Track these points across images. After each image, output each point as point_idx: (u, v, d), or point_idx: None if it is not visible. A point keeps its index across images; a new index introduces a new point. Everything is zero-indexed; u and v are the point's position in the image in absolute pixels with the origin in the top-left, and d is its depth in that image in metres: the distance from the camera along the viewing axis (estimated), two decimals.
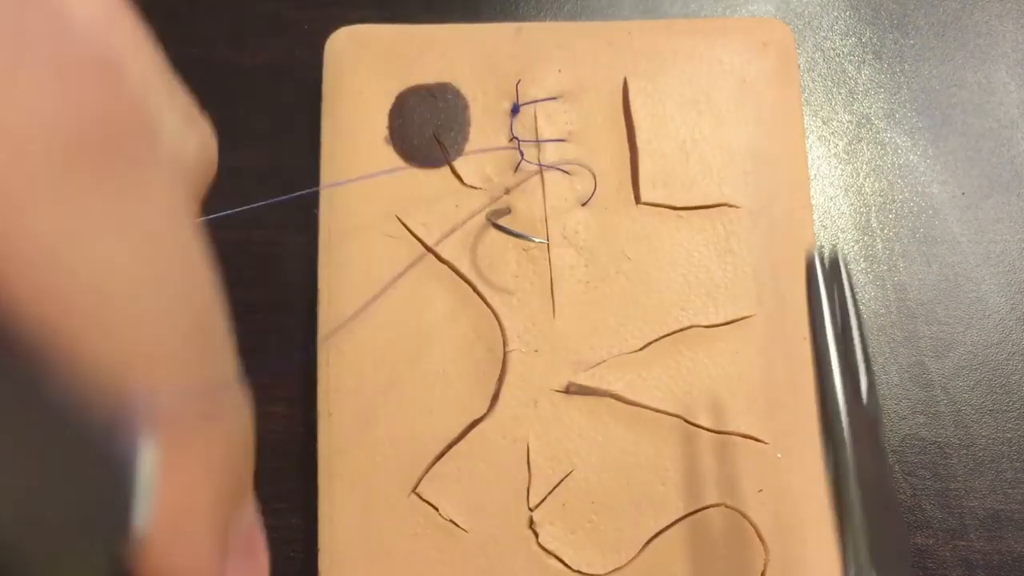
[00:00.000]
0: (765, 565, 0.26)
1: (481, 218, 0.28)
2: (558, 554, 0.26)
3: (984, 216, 0.31)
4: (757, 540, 0.26)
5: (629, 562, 0.26)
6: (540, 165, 0.28)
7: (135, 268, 0.12)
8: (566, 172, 0.28)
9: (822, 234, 0.31)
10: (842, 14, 0.33)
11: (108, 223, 0.12)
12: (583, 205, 0.28)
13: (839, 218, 0.31)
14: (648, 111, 0.29)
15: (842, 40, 0.33)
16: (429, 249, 0.28)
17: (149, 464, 0.12)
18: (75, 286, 0.11)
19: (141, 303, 0.12)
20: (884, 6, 0.33)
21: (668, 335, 0.27)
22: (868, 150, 0.31)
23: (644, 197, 0.28)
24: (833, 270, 0.19)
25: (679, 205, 0.28)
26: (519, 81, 0.29)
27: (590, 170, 0.28)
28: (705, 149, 0.28)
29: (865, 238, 0.31)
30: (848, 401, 0.19)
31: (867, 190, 0.31)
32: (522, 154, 0.28)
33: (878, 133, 0.32)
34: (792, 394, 0.27)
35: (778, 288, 0.28)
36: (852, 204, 0.31)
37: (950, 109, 0.32)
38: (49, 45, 0.11)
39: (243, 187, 0.30)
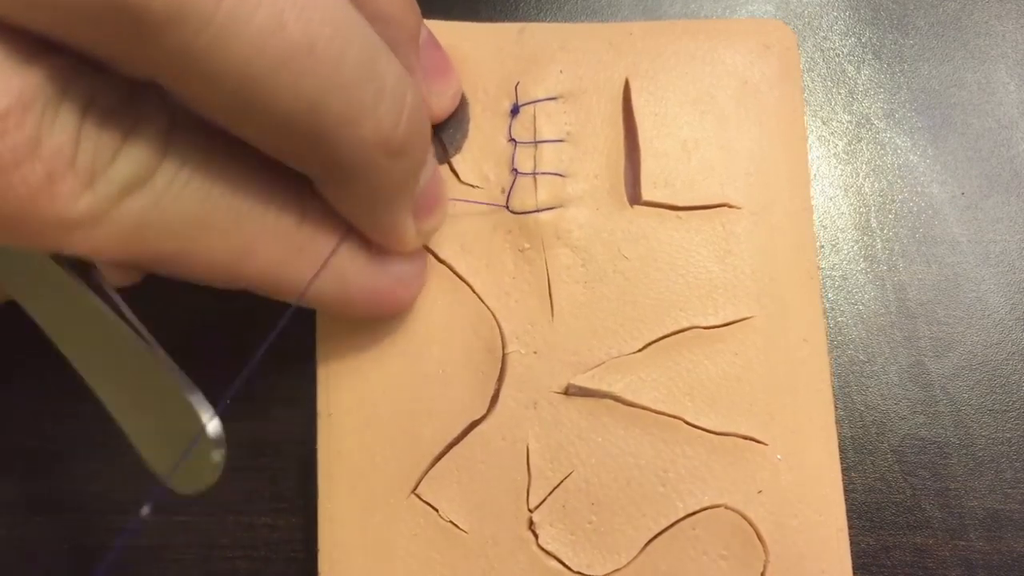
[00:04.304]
0: (765, 566, 0.26)
1: (479, 218, 0.28)
2: (558, 555, 0.26)
3: (984, 216, 0.31)
4: (757, 541, 0.26)
5: (629, 563, 0.26)
6: (535, 171, 0.28)
7: None
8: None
9: (822, 234, 0.31)
10: (842, 14, 0.33)
11: None
12: (566, 205, 0.28)
13: (839, 218, 0.31)
14: (650, 110, 0.29)
15: (842, 40, 0.33)
16: (427, 248, 0.28)
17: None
18: None
19: None
20: (884, 6, 0.33)
21: (668, 336, 0.27)
22: (868, 150, 0.31)
23: (646, 196, 0.28)
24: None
25: (681, 204, 0.28)
26: (518, 83, 0.29)
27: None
28: (707, 149, 0.28)
29: (865, 238, 0.31)
30: None
31: (867, 190, 0.31)
32: (516, 171, 0.28)
33: (878, 133, 0.32)
34: (792, 396, 0.27)
35: (778, 290, 0.28)
36: (852, 204, 0.31)
37: (950, 109, 0.32)
38: None
39: None
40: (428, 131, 0.23)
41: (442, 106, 0.27)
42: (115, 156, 0.18)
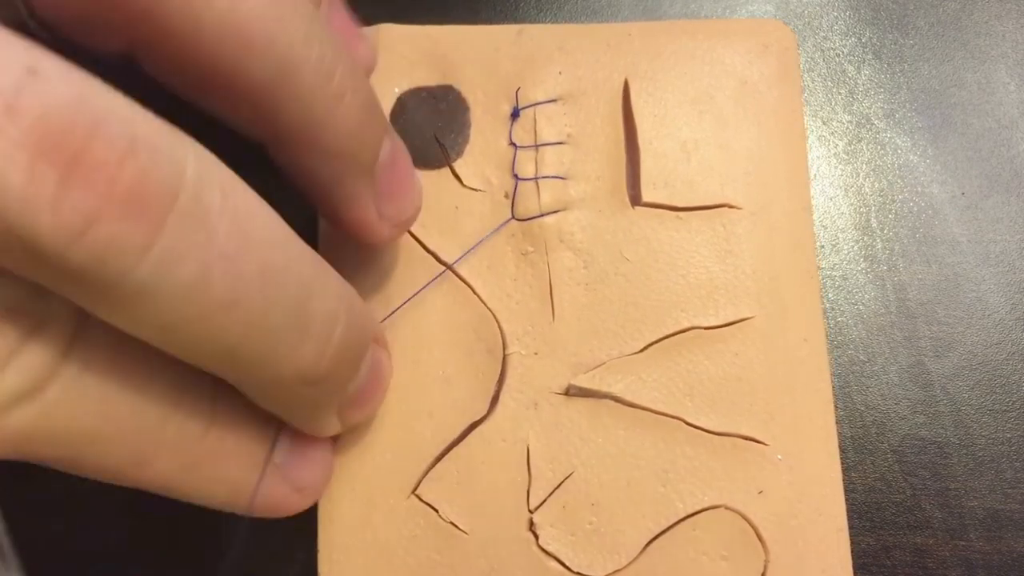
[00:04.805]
0: (765, 567, 0.26)
1: (482, 221, 0.28)
2: (558, 556, 0.26)
3: (984, 216, 0.31)
4: (757, 542, 0.26)
5: (629, 564, 0.26)
6: (536, 175, 0.28)
7: None
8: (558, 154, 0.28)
9: (822, 234, 0.31)
10: (842, 14, 0.33)
11: None
12: (569, 208, 0.28)
13: (839, 218, 0.31)
14: (649, 111, 0.29)
15: (842, 40, 0.33)
16: (428, 251, 0.28)
17: None
18: None
19: None
20: (884, 6, 0.33)
21: (668, 336, 0.27)
22: (868, 150, 0.31)
23: (646, 197, 0.28)
24: None
25: (681, 205, 0.28)
26: (519, 89, 0.29)
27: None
28: (706, 150, 0.28)
29: (865, 238, 0.30)
30: None
31: (867, 190, 0.31)
32: (516, 178, 0.28)
33: (878, 133, 0.32)
34: (792, 396, 0.27)
35: (778, 290, 0.28)
36: (852, 204, 0.31)
37: (950, 109, 0.32)
38: None
39: None
40: (361, 352, 0.22)
41: (391, 233, 0.25)
42: (7, 363, 0.16)
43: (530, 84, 0.29)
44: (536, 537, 0.26)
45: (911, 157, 0.31)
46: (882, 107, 0.32)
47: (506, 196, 0.28)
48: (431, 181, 0.28)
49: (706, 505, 0.26)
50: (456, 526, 0.26)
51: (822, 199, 0.31)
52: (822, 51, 0.32)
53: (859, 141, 0.32)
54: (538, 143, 0.28)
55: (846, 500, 0.26)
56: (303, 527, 0.28)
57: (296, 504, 0.24)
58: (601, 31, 0.29)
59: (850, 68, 0.32)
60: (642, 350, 0.27)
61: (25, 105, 0.14)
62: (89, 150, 0.15)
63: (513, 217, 0.28)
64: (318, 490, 0.24)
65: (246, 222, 0.17)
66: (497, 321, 0.27)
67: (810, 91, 0.32)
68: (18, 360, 0.16)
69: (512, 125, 0.28)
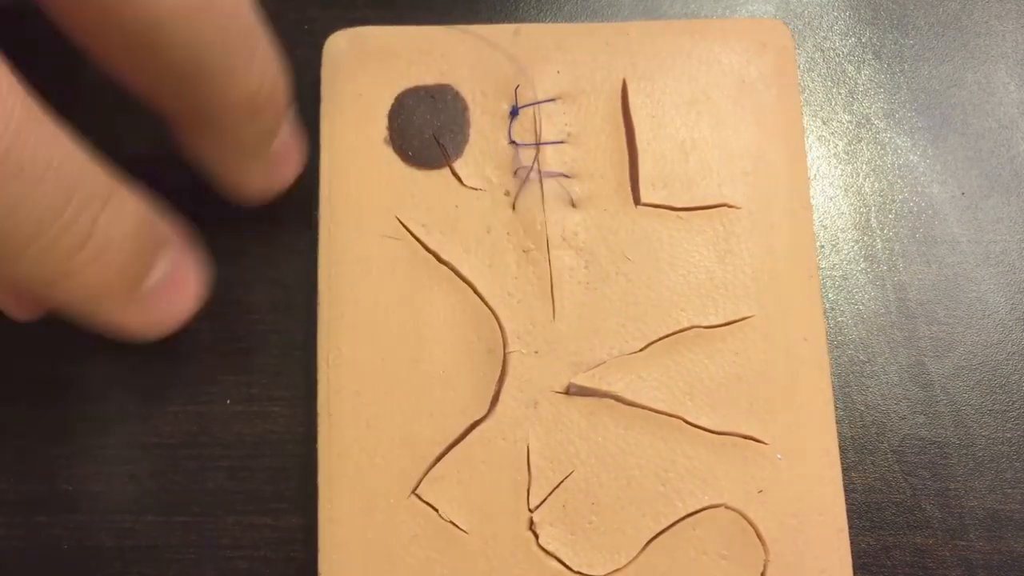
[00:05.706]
0: (765, 566, 0.26)
1: (483, 220, 0.28)
2: (558, 555, 0.26)
3: (984, 216, 0.31)
4: (757, 541, 0.26)
5: (629, 563, 0.26)
6: (539, 173, 0.28)
7: None
8: (565, 176, 0.28)
9: (822, 234, 0.31)
10: (842, 14, 0.33)
11: None
12: (573, 207, 0.28)
13: (839, 218, 0.31)
14: (647, 111, 0.29)
15: (842, 40, 0.33)
16: (429, 250, 0.28)
17: None
18: None
19: None
20: (884, 6, 0.33)
21: (668, 336, 0.27)
22: (868, 150, 0.31)
23: (644, 198, 0.28)
24: None
25: (679, 206, 0.28)
26: (518, 86, 0.29)
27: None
28: (705, 150, 0.29)
29: (865, 238, 0.30)
30: None
31: (867, 190, 0.31)
32: (537, 171, 0.28)
33: (878, 133, 0.32)
34: (793, 395, 0.27)
35: (778, 289, 0.28)
36: (852, 204, 0.31)
37: (950, 109, 0.32)
38: None
39: None
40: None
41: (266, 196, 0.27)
42: None
43: (528, 84, 0.29)
44: (536, 536, 0.26)
45: (911, 157, 0.31)
46: (882, 107, 0.32)
47: (506, 194, 0.28)
48: (431, 181, 0.28)
49: (706, 504, 0.26)
50: (456, 525, 0.26)
51: (822, 199, 0.31)
52: (822, 51, 0.32)
53: (859, 141, 0.32)
54: (539, 142, 0.28)
55: (846, 500, 0.26)
56: (303, 526, 0.28)
57: (145, 333, 0.24)
58: (599, 30, 0.30)
59: (850, 68, 0.32)
60: (642, 349, 0.27)
61: None
62: None
63: (513, 208, 0.28)
64: (170, 327, 0.25)
65: None
66: (497, 319, 0.27)
67: (810, 91, 0.32)
68: None
69: (511, 123, 0.29)
